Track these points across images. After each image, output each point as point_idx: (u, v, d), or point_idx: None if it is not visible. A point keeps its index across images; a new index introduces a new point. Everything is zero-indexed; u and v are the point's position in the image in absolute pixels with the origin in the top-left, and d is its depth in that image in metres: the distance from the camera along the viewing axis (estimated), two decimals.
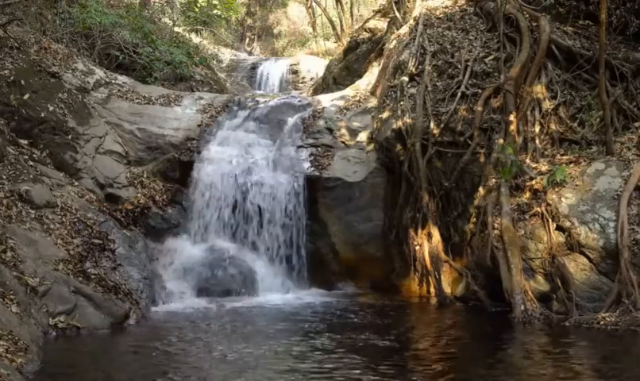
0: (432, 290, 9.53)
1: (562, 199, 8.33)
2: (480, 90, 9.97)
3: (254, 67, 22.17)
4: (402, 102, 10.25)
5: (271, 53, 29.87)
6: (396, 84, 10.62)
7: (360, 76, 13.76)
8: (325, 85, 16.73)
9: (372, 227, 10.26)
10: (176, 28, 17.50)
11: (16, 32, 10.75)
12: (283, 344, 6.97)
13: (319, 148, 10.75)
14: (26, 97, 9.62)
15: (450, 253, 9.48)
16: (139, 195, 10.10)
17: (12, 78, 9.58)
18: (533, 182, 8.79)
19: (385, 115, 10.46)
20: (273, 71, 21.46)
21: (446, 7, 12.01)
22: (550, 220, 8.27)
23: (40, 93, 9.87)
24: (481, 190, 9.18)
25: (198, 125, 11.15)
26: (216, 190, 10.27)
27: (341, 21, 23.12)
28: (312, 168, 10.43)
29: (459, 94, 9.98)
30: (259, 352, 6.58)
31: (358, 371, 5.85)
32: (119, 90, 11.52)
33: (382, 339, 7.14)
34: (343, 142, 10.88)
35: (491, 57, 10.47)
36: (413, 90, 10.34)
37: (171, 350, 6.63)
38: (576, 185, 8.44)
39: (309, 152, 10.71)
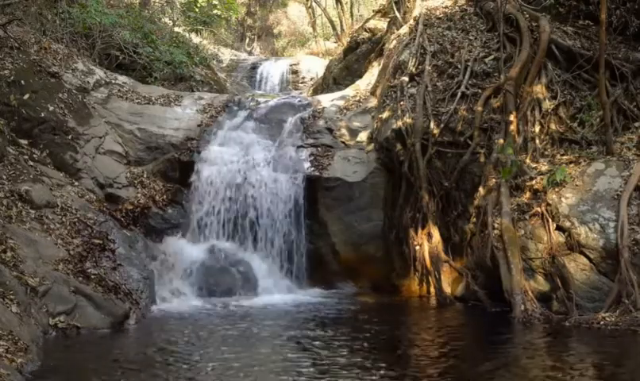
0: (432, 290, 9.54)
1: (562, 199, 8.33)
2: (479, 90, 9.97)
3: (254, 67, 22.15)
4: (402, 102, 10.25)
5: (271, 53, 29.85)
6: (396, 84, 10.62)
7: (360, 76, 13.75)
8: (325, 85, 16.71)
9: (372, 227, 10.26)
10: (176, 28, 17.50)
11: (16, 32, 10.75)
12: (283, 345, 6.98)
13: (319, 148, 10.74)
14: (26, 97, 9.61)
15: (450, 253, 9.49)
16: (139, 195, 10.10)
17: (12, 78, 9.57)
18: (533, 182, 8.79)
19: (385, 115, 10.46)
20: (273, 71, 21.44)
21: (446, 7, 12.00)
22: (550, 220, 8.27)
23: (40, 93, 9.86)
24: (481, 190, 9.19)
25: (198, 125, 11.15)
26: (216, 190, 10.27)
27: (341, 21, 23.11)
28: (312, 168, 10.42)
29: (459, 94, 9.98)
30: (259, 352, 6.59)
31: (358, 371, 5.85)
32: (119, 90, 11.52)
33: (382, 339, 7.16)
34: (343, 142, 10.88)
35: (491, 57, 10.46)
36: (413, 90, 10.34)
37: (171, 350, 6.62)
38: (576, 185, 8.44)
39: (309, 151, 10.70)
